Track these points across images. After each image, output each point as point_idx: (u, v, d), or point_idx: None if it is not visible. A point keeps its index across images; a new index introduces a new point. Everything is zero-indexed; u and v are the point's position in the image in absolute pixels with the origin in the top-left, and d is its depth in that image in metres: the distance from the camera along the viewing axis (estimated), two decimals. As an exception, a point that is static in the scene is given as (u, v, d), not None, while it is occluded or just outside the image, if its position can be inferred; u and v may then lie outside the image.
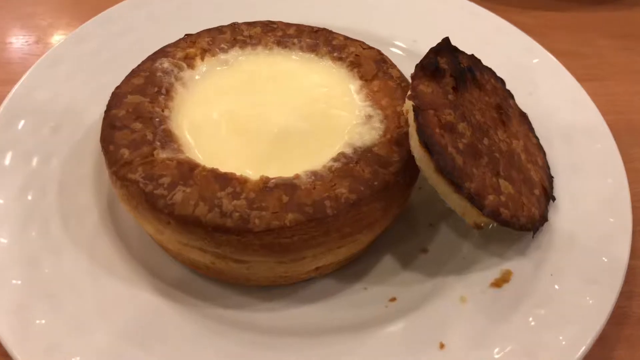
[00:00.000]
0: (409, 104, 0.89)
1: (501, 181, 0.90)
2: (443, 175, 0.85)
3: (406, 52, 1.27)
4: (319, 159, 0.92)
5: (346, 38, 1.10)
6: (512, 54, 1.24)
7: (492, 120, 0.97)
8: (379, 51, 1.08)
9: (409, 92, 0.89)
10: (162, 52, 1.06)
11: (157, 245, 0.97)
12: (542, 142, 1.09)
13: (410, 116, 0.88)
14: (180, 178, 0.86)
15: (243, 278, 0.91)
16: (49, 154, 1.00)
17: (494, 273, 0.94)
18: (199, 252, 0.86)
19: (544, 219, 0.96)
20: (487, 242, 0.99)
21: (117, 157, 0.89)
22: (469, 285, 0.93)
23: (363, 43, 1.10)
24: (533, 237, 0.94)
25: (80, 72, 1.17)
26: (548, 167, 1.05)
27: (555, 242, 0.96)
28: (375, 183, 0.88)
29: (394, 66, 1.06)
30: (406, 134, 0.92)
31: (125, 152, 0.89)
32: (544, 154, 1.07)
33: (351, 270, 0.97)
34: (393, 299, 0.92)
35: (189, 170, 0.87)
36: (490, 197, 0.87)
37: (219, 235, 0.82)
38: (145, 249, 0.97)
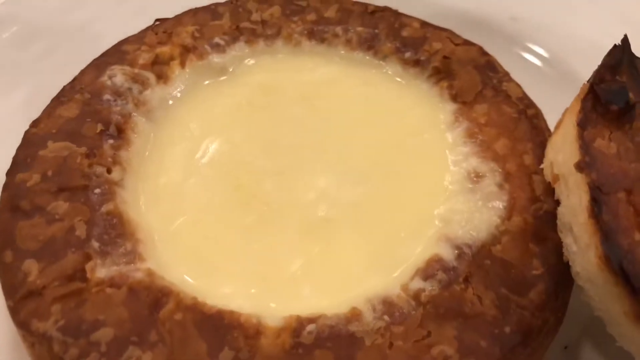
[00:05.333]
0: (574, 178, 0.46)
1: None
2: (653, 331, 0.42)
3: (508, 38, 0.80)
4: (392, 270, 0.50)
5: (424, 24, 0.66)
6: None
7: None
8: (481, 49, 0.65)
9: (580, 156, 0.45)
10: (116, 53, 0.63)
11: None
12: None
13: (583, 209, 0.45)
14: (132, 329, 0.44)
15: None
16: None
17: None
18: None
19: None
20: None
21: (17, 278, 0.47)
22: None
23: (453, 34, 0.66)
24: None
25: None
26: None
27: None
28: (507, 329, 0.46)
29: (509, 77, 0.62)
30: (550, 214, 0.50)
31: (33, 269, 0.47)
32: None
33: None
34: None
35: (149, 307, 0.45)
36: None
37: None
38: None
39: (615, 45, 0.52)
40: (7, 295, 0.47)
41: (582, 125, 0.47)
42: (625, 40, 0.52)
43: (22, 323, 0.46)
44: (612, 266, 0.43)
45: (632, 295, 0.42)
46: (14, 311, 0.46)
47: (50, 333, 0.44)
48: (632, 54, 0.55)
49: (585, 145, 0.46)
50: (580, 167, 0.45)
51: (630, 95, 0.50)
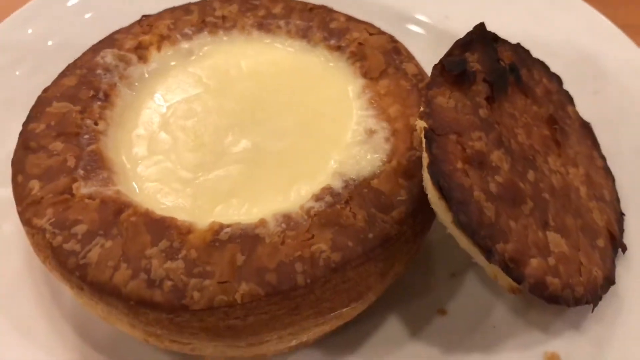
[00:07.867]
0: (420, 124, 0.63)
1: (550, 235, 0.63)
2: (465, 233, 0.59)
3: (433, 33, 0.98)
4: (296, 195, 0.67)
5: (349, 19, 0.84)
6: (571, 34, 0.94)
7: (542, 142, 0.70)
8: (391, 37, 0.81)
9: (422, 108, 0.62)
10: (109, 41, 0.82)
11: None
12: (611, 161, 0.80)
13: (423, 142, 0.62)
14: (100, 226, 0.63)
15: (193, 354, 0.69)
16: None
17: (534, 356, 0.68)
18: (127, 326, 0.64)
19: (609, 281, 0.69)
20: (527, 306, 0.73)
21: (24, 192, 0.66)
22: (499, 371, 0.68)
23: (371, 26, 0.83)
24: (593, 311, 0.68)
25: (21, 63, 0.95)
26: (618, 201, 0.77)
27: (625, 311, 0.70)
28: (370, 235, 0.63)
29: (410, 58, 0.79)
30: (420, 159, 0.67)
31: (35, 186, 0.66)
32: (613, 180, 0.78)
33: (342, 337, 0.73)
34: (397, 382, 0.69)
35: (113, 213, 0.64)
36: (533, 263, 0.60)
37: (144, 312, 0.59)
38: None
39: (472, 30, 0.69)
40: (17, 203, 0.66)
41: (428, 86, 0.64)
42: (479, 25, 0.69)
43: (26, 220, 0.65)
44: (435, 185, 0.59)
45: (447, 204, 0.59)
46: (21, 214, 0.65)
47: (44, 226, 0.63)
48: (493, 37, 0.71)
49: (427, 101, 0.63)
50: (421, 116, 0.62)
51: (477, 65, 0.66)
